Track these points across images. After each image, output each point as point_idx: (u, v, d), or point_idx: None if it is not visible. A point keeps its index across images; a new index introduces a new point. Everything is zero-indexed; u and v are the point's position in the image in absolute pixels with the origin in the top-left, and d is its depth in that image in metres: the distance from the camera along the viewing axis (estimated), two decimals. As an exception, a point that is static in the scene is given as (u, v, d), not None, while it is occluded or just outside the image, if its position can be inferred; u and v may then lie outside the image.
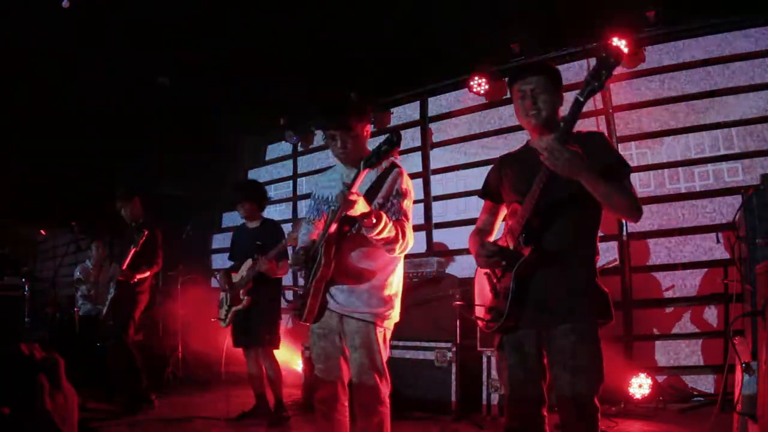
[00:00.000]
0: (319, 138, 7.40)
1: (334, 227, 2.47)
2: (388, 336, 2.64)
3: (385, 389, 2.55)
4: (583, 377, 2.05)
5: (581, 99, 1.96)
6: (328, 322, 2.61)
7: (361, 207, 2.27)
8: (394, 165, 2.58)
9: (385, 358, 2.57)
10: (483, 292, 2.34)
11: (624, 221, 5.07)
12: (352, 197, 2.24)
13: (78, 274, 6.63)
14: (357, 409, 2.55)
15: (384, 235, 2.38)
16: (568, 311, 2.09)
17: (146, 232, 4.60)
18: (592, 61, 5.84)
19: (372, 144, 2.40)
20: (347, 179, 2.55)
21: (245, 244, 4.50)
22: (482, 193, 2.51)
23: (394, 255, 2.55)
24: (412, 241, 2.55)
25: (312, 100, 6.73)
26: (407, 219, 2.53)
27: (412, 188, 2.63)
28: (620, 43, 5.00)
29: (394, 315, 2.64)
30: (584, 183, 2.00)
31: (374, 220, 2.32)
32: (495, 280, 2.25)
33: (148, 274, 4.86)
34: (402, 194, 2.54)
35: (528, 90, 2.22)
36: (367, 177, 2.41)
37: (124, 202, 4.98)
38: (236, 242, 4.72)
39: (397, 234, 2.44)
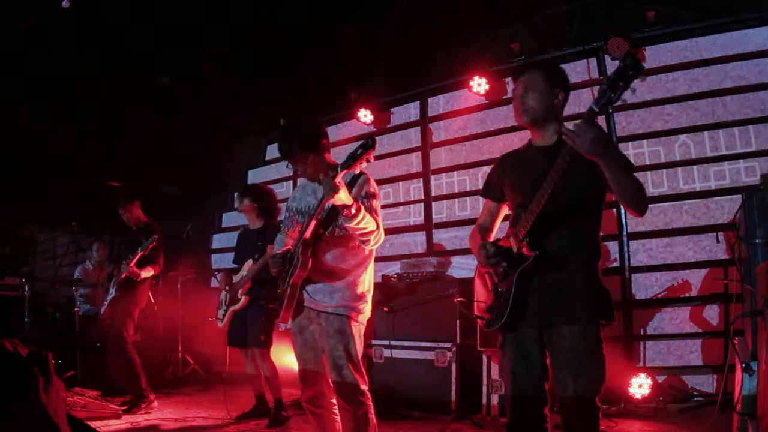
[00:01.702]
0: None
1: (310, 230, 2.60)
2: (362, 332, 2.74)
3: (363, 381, 2.63)
4: (585, 378, 2.06)
5: (596, 109, 1.91)
6: (306, 319, 2.72)
7: (343, 196, 2.36)
8: (361, 173, 2.72)
9: (360, 353, 2.67)
10: (483, 291, 2.34)
11: (624, 221, 5.07)
12: (337, 183, 2.34)
13: (78, 274, 6.63)
14: (339, 404, 2.63)
15: (362, 224, 2.49)
16: (571, 312, 2.10)
17: (156, 238, 4.60)
18: (592, 62, 5.84)
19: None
20: (319, 190, 2.69)
21: (247, 245, 4.52)
22: (483, 192, 2.51)
23: (369, 246, 2.65)
24: (383, 236, 2.66)
25: (312, 99, 6.73)
26: (378, 215, 2.66)
27: (378, 191, 2.76)
28: (620, 43, 5.00)
29: (367, 310, 2.75)
30: (603, 165, 1.97)
31: (353, 211, 2.42)
32: (496, 280, 2.25)
33: (151, 273, 4.89)
34: (371, 195, 2.67)
35: (520, 87, 2.24)
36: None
37: (124, 207, 5.01)
38: (240, 244, 4.74)
39: (375, 225, 2.57)
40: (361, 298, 2.70)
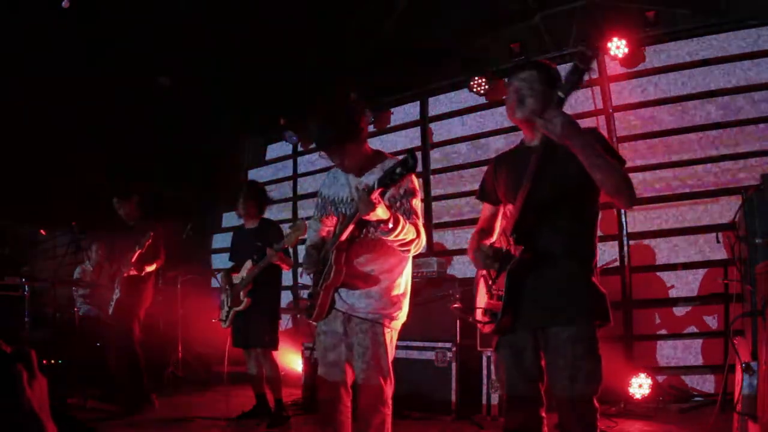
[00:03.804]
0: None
1: (346, 234, 2.45)
2: (395, 337, 2.64)
3: (389, 390, 2.54)
4: (581, 379, 2.04)
5: (561, 95, 1.98)
6: (334, 321, 2.62)
7: (380, 212, 2.21)
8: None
9: (390, 359, 2.57)
10: (481, 294, 2.33)
11: (624, 221, 5.07)
12: (374, 200, 2.18)
13: (78, 274, 6.63)
14: (359, 409, 2.54)
15: (400, 237, 2.34)
16: (564, 313, 2.07)
17: (152, 235, 4.58)
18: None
19: (373, 141, 2.37)
20: (354, 181, 2.56)
21: (244, 245, 4.51)
22: (479, 196, 2.50)
23: (409, 254, 2.53)
24: (425, 239, 2.52)
25: (312, 100, 6.73)
26: (418, 217, 2.50)
27: (419, 187, 2.61)
28: (620, 44, 5.01)
29: (402, 316, 2.64)
30: (577, 151, 1.95)
31: (391, 225, 2.27)
32: (490, 282, 2.23)
33: (154, 267, 4.86)
34: (411, 193, 2.50)
35: (515, 85, 2.22)
36: (373, 176, 2.36)
37: (122, 200, 4.96)
38: (236, 243, 4.73)
39: (414, 233, 2.42)
40: (395, 303, 2.57)
